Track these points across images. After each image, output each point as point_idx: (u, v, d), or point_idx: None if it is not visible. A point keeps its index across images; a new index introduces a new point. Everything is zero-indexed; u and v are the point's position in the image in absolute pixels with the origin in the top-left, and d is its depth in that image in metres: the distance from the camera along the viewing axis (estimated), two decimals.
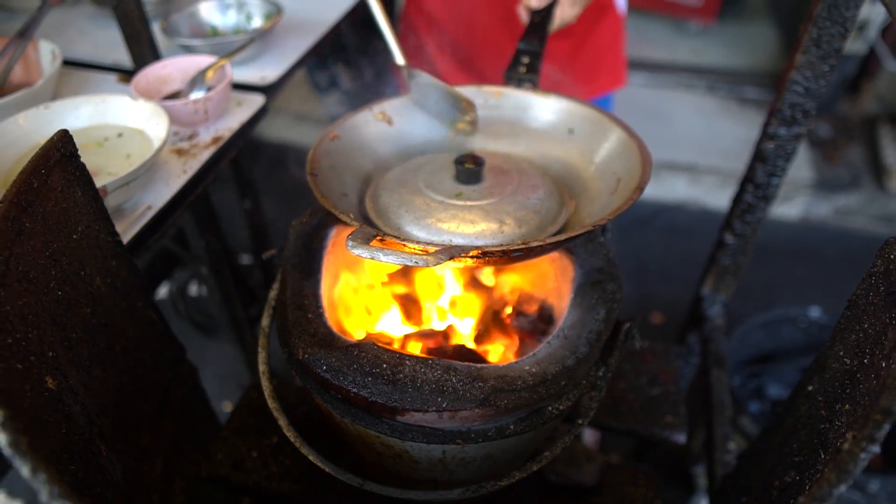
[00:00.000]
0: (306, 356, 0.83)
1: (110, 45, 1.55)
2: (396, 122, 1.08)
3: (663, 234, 3.12)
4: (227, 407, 2.25)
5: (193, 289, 2.17)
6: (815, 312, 1.99)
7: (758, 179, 1.23)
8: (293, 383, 1.40)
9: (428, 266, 0.67)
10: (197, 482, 1.17)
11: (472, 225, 0.86)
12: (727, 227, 1.34)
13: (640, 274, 2.90)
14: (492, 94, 1.10)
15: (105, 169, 1.09)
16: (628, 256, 2.96)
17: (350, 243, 0.68)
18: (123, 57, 1.43)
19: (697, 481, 1.79)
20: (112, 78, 1.47)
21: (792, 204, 3.17)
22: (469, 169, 0.92)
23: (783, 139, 1.16)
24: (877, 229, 3.12)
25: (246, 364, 2.04)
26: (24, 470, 0.48)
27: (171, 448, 1.12)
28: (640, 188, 0.83)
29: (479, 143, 1.11)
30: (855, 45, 3.21)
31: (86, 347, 0.87)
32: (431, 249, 0.69)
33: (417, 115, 1.09)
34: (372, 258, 0.67)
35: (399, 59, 1.02)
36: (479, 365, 0.81)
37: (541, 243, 0.75)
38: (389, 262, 0.67)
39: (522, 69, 1.10)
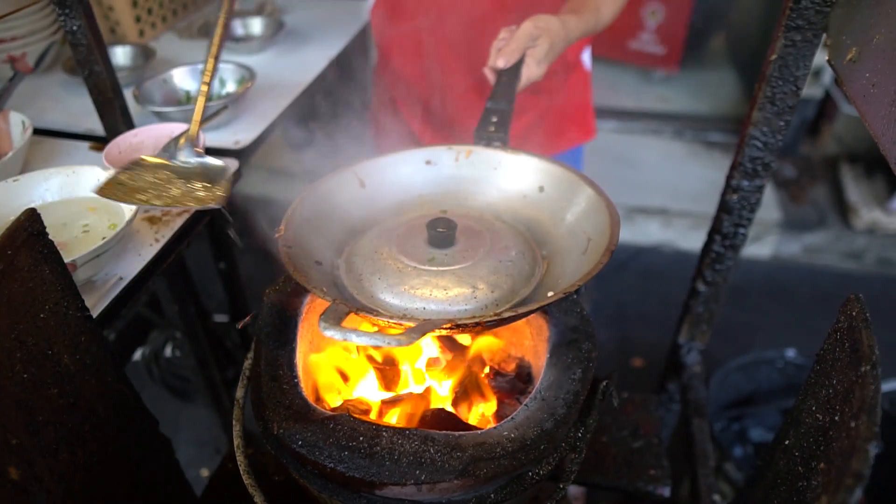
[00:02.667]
0: (281, 431, 0.81)
1: (83, 112, 1.56)
2: (368, 185, 1.09)
3: (639, 278, 3.15)
4: (204, 473, 2.18)
5: (168, 350, 2.13)
6: (790, 353, 2.01)
7: (724, 230, 1.26)
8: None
9: (402, 346, 0.67)
10: None
11: (444, 291, 0.86)
12: (698, 276, 1.36)
13: (619, 318, 2.92)
14: (462, 153, 1.12)
15: (74, 243, 1.08)
16: (607, 301, 2.99)
17: (322, 325, 0.68)
18: (96, 124, 1.44)
19: None
20: (85, 146, 1.48)
21: (762, 244, 3.24)
22: (441, 233, 0.92)
23: (746, 191, 1.19)
24: (845, 265, 3.20)
25: (223, 429, 1.99)
26: None
27: None
28: (610, 251, 0.84)
29: (451, 202, 1.12)
30: (812, 90, 3.34)
31: (53, 430, 0.84)
32: (403, 327, 0.69)
33: (389, 176, 1.10)
34: (345, 340, 0.67)
35: None
36: (456, 433, 0.80)
37: (513, 314, 0.76)
38: (362, 343, 0.67)
39: (492, 128, 1.12)
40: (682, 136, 3.79)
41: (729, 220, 1.24)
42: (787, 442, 0.84)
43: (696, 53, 4.34)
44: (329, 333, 0.68)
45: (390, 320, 0.76)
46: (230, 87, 1.63)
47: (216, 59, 1.05)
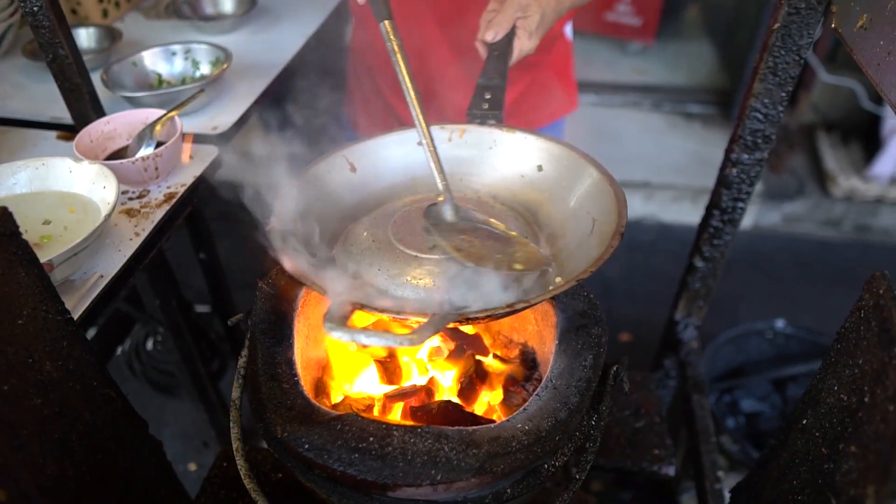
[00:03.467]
0: (285, 434, 0.77)
1: (47, 99, 1.47)
2: (359, 169, 1.04)
3: (623, 251, 3.14)
4: (192, 468, 2.14)
5: (149, 344, 2.06)
6: (779, 324, 2.02)
7: (723, 205, 1.24)
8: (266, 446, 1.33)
9: (413, 345, 0.62)
10: None
11: (449, 280, 0.82)
12: (696, 252, 1.34)
13: (604, 293, 2.92)
14: (456, 132, 1.06)
15: (50, 239, 1.01)
16: (592, 276, 2.98)
17: (327, 325, 0.63)
18: (63, 112, 1.36)
19: None
20: (51, 135, 1.39)
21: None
22: (441, 220, 0.88)
23: (746, 164, 1.17)
24: (824, 233, 3.23)
25: (210, 422, 1.94)
26: None
27: None
28: (619, 233, 0.81)
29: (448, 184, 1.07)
30: None
31: (38, 443, 0.79)
32: (414, 323, 0.65)
33: (380, 159, 1.05)
34: (353, 341, 0.62)
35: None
36: (470, 429, 0.77)
37: (525, 304, 0.72)
38: (372, 344, 0.63)
39: (485, 105, 1.07)
40: (660, 107, 3.77)
41: (728, 195, 1.21)
42: (804, 422, 0.82)
43: (672, 24, 4.32)
44: (335, 335, 0.63)
45: (398, 316, 0.72)
46: (204, 70, 1.55)
47: None
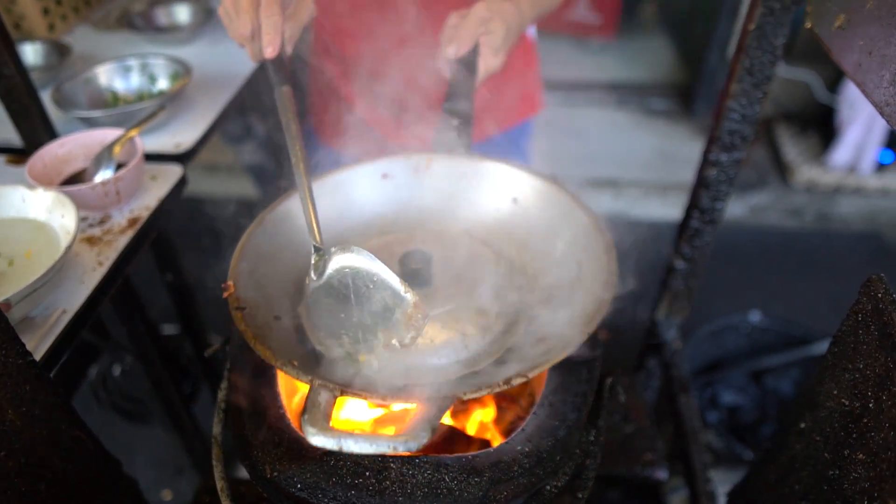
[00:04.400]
0: (276, 474, 0.73)
1: None
2: (319, 209, 0.91)
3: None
4: (167, 496, 2.06)
5: (116, 370, 1.97)
6: (755, 317, 2.05)
7: (703, 205, 1.24)
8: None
9: (410, 450, 0.57)
10: None
11: (431, 343, 0.77)
12: (677, 253, 1.34)
13: None
14: (422, 162, 0.99)
15: (4, 275, 0.95)
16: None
17: (309, 430, 0.57)
18: (11, 135, 1.28)
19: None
20: (0, 160, 1.31)
21: None
22: (415, 270, 0.81)
23: (724, 165, 1.17)
24: (787, 223, 3.30)
25: (184, 448, 1.87)
26: None
27: None
28: (612, 284, 0.78)
29: (415, 222, 1.00)
30: None
31: (3, 501, 0.73)
32: (408, 436, 0.58)
33: (340, 198, 0.98)
34: (340, 449, 0.57)
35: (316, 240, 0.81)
36: (469, 455, 0.74)
37: (524, 378, 0.68)
38: (361, 451, 0.57)
39: (452, 133, 1.01)
40: (624, 105, 3.81)
41: (707, 195, 1.21)
42: (802, 425, 0.81)
43: (631, 21, 4.37)
44: (318, 442, 0.57)
45: (384, 401, 0.66)
46: (162, 84, 1.49)
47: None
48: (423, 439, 0.58)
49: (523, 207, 0.96)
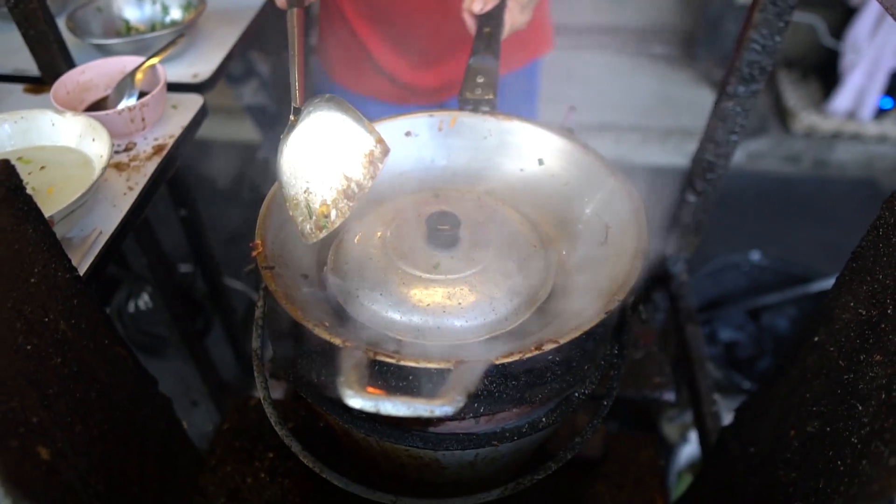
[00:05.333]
0: (321, 378, 0.77)
1: (6, 49, 1.37)
2: None
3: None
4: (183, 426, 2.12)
5: (131, 306, 2.00)
6: (755, 256, 2.10)
7: (718, 138, 1.26)
8: (276, 397, 1.33)
9: (447, 415, 0.58)
10: None
11: (459, 306, 0.77)
12: (689, 187, 1.37)
13: None
14: (446, 121, 0.97)
15: (44, 197, 0.96)
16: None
17: (346, 392, 0.58)
18: (26, 63, 1.27)
19: (666, 433, 1.87)
20: (17, 88, 1.30)
21: None
22: (443, 232, 0.81)
23: (742, 97, 1.19)
24: (785, 169, 3.34)
25: (201, 379, 1.92)
26: None
27: (159, 489, 1.03)
28: (642, 253, 0.77)
29: (439, 181, 0.99)
30: None
31: (64, 403, 0.77)
32: (444, 399, 0.58)
33: None
34: (377, 410, 0.58)
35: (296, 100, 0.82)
36: (507, 361, 0.78)
37: (555, 343, 0.68)
38: (399, 413, 0.58)
39: (478, 90, 0.98)
40: (625, 49, 3.77)
41: (723, 128, 1.23)
42: (816, 339, 0.86)
43: None
44: (356, 404, 0.58)
45: (417, 364, 0.66)
46: (175, 14, 1.47)
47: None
48: (460, 403, 0.58)
49: (549, 168, 0.95)
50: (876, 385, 0.67)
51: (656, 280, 1.60)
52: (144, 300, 1.93)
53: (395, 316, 0.78)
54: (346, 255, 0.85)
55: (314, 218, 0.81)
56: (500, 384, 0.75)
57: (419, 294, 0.79)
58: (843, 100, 3.16)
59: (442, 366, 0.65)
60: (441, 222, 0.81)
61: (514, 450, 0.86)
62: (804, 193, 3.18)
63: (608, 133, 3.26)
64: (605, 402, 0.88)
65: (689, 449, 1.71)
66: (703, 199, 1.37)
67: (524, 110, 1.86)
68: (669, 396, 1.26)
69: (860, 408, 0.69)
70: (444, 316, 0.78)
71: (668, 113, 3.36)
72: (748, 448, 1.02)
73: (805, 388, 0.87)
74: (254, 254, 0.78)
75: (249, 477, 1.12)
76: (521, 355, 0.68)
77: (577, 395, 0.83)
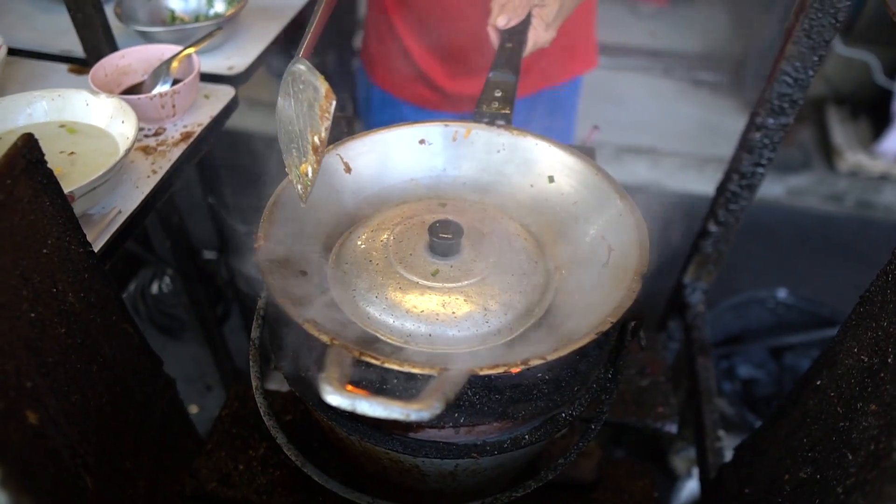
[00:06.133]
0: (308, 373, 0.78)
1: (56, 31, 1.43)
2: (354, 169, 0.95)
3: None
4: (193, 410, 2.16)
5: (154, 287, 2.06)
6: (781, 293, 2.04)
7: (743, 169, 1.24)
8: (274, 388, 1.35)
9: (422, 420, 0.58)
10: (181, 501, 1.10)
11: (452, 315, 0.77)
12: (711, 216, 1.34)
13: None
14: (461, 132, 0.98)
15: (68, 173, 1.00)
16: None
17: (325, 389, 0.58)
18: (73, 45, 1.32)
19: (674, 465, 1.83)
20: (62, 68, 1.36)
21: None
22: (444, 241, 0.81)
23: (770, 129, 1.16)
24: (826, 208, 3.24)
25: (215, 365, 1.96)
26: None
27: (153, 468, 1.05)
28: (640, 273, 0.77)
29: (448, 190, 0.99)
30: None
31: (63, 372, 0.80)
32: (421, 404, 0.58)
33: (377, 159, 0.97)
34: (354, 410, 0.58)
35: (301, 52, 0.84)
36: (494, 374, 0.78)
37: (542, 360, 0.67)
38: (374, 415, 0.58)
39: (495, 104, 0.99)
40: (671, 73, 3.73)
41: (749, 160, 1.21)
42: (818, 382, 0.84)
43: None
44: (333, 401, 0.58)
45: (401, 368, 0.66)
46: (218, 7, 1.51)
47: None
48: (437, 410, 0.58)
49: (559, 187, 0.94)
50: (868, 435, 0.65)
51: (672, 309, 1.57)
52: (167, 283, 1.98)
53: (389, 319, 0.78)
54: (347, 255, 0.86)
55: (300, 178, 0.84)
56: (482, 396, 0.75)
57: (414, 300, 0.79)
58: (893, 141, 3.06)
59: (425, 371, 0.66)
60: (443, 231, 0.81)
61: (496, 464, 0.86)
62: (844, 234, 3.08)
63: (645, 156, 3.22)
64: (594, 426, 0.86)
65: (693, 484, 1.67)
66: (724, 229, 1.34)
67: (561, 126, 1.86)
68: (671, 428, 1.24)
69: (850, 457, 0.67)
70: (437, 324, 0.78)
71: (709, 140, 3.30)
72: (744, 488, 0.99)
73: (804, 431, 0.84)
74: (255, 246, 0.79)
75: (242, 464, 1.14)
76: (505, 368, 0.67)
77: (564, 415, 0.82)
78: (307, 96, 0.80)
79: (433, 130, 0.98)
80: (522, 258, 0.85)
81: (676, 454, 1.85)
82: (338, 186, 0.93)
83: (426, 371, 0.65)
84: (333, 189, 0.93)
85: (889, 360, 0.67)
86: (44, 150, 0.73)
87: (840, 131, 3.25)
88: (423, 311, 0.78)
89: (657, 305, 1.74)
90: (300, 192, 0.85)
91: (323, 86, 0.78)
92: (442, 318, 0.78)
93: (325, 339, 0.68)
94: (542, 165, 0.95)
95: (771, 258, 2.96)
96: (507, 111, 0.97)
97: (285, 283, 0.77)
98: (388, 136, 0.97)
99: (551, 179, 0.95)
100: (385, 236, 0.86)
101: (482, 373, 0.66)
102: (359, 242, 0.86)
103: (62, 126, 1.07)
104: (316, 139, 0.80)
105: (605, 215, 0.88)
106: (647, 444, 1.95)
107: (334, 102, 0.78)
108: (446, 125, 0.98)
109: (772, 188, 3.26)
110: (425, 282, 0.80)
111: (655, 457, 1.93)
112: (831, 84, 3.45)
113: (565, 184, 0.94)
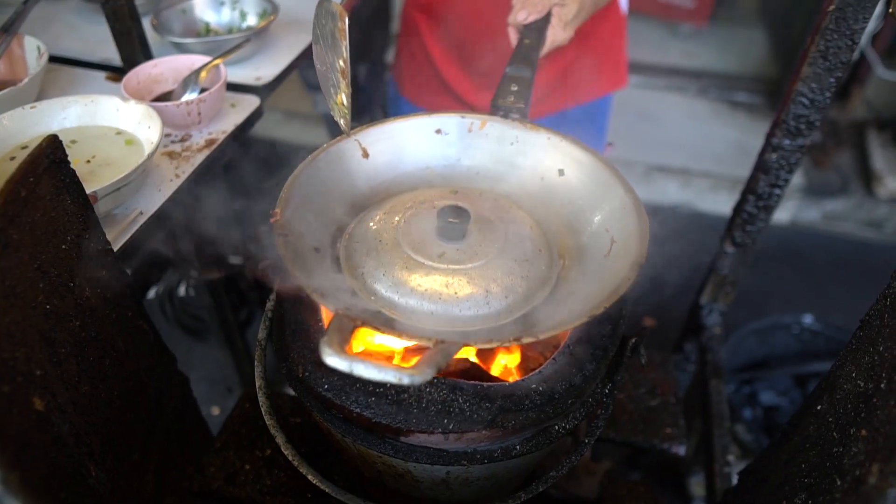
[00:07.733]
0: (306, 374, 0.80)
1: (98, 41, 1.50)
2: (372, 155, 0.98)
3: (653, 238, 3.11)
4: (215, 411, 2.21)
5: (181, 290, 2.12)
6: (807, 319, 1.99)
7: (759, 190, 1.22)
8: (287, 391, 1.37)
9: (414, 383, 0.61)
10: (188, 497, 1.13)
11: (455, 295, 0.80)
12: (727, 237, 1.33)
13: None
14: (476, 124, 1.01)
15: (94, 173, 1.05)
16: None
17: (325, 350, 0.61)
18: (112, 54, 1.39)
19: (692, 490, 1.79)
20: (100, 76, 1.43)
21: (781, 208, 3.18)
22: (452, 224, 0.84)
23: (787, 150, 1.15)
24: (863, 234, 3.15)
25: (235, 368, 2.00)
26: None
27: (162, 462, 1.09)
28: (638, 264, 0.78)
29: (461, 179, 1.02)
30: None
31: (75, 363, 0.83)
32: (413, 363, 0.62)
33: (395, 146, 1.01)
34: (350, 371, 0.61)
35: None
36: (485, 384, 0.79)
37: (532, 339, 0.70)
38: (369, 377, 0.61)
39: (510, 98, 1.01)
40: (706, 94, 3.69)
41: (765, 180, 1.20)
42: (819, 407, 0.82)
43: (726, 9, 4.19)
44: (332, 362, 0.61)
45: (399, 337, 0.70)
46: (251, 20, 1.57)
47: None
48: (427, 376, 0.61)
49: (568, 180, 0.97)
50: (856, 461, 0.63)
51: (689, 330, 1.55)
52: (193, 285, 2.04)
53: (394, 296, 0.81)
54: (359, 234, 0.89)
55: (339, 111, 0.92)
56: (473, 404, 0.76)
57: (419, 279, 0.81)
58: None
59: (422, 343, 0.68)
60: (452, 215, 0.84)
61: (488, 474, 0.86)
62: (881, 261, 2.98)
63: (676, 176, 3.18)
64: (587, 440, 0.86)
65: None
66: (741, 250, 1.32)
67: (589, 144, 1.86)
68: (679, 450, 1.22)
69: (838, 483, 0.65)
70: (439, 303, 0.80)
71: (743, 162, 3.23)
72: None
73: (802, 457, 0.83)
74: (272, 220, 0.82)
75: (248, 464, 1.16)
76: (498, 343, 0.70)
77: (557, 427, 0.82)
78: (329, 28, 0.88)
79: (450, 121, 1.01)
80: (527, 245, 0.87)
81: (693, 478, 1.81)
82: (355, 170, 0.98)
83: (423, 342, 0.68)
84: (350, 173, 0.97)
85: (882, 386, 0.65)
86: (75, 150, 0.77)
87: (881, 156, 3.16)
88: (426, 290, 0.81)
89: (674, 326, 1.71)
90: (343, 125, 0.93)
91: (336, 8, 0.85)
92: (445, 298, 0.80)
93: (330, 307, 0.71)
94: (553, 159, 0.98)
95: (805, 284, 2.88)
96: (522, 105, 1.00)
97: (298, 257, 0.80)
98: (406, 124, 1.01)
99: (561, 172, 0.98)
100: (396, 219, 0.89)
101: (476, 346, 0.70)
102: (371, 224, 0.90)
103: (94, 129, 1.13)
104: (341, 62, 0.88)
105: (608, 206, 0.90)
106: (663, 467, 1.91)
107: (346, 18, 0.86)
108: (463, 116, 1.01)
109: (808, 212, 3.18)
110: (431, 263, 0.83)
111: (672, 481, 1.89)
112: (873, 108, 3.36)
113: (574, 177, 0.96)
